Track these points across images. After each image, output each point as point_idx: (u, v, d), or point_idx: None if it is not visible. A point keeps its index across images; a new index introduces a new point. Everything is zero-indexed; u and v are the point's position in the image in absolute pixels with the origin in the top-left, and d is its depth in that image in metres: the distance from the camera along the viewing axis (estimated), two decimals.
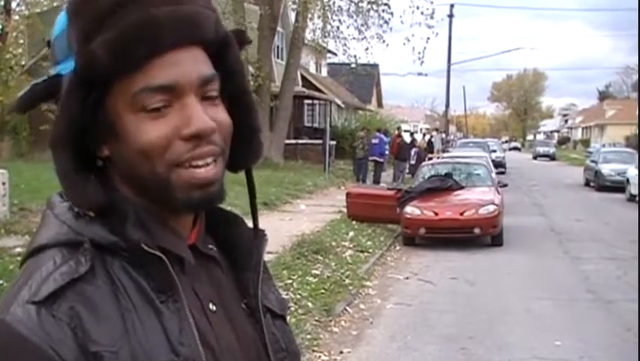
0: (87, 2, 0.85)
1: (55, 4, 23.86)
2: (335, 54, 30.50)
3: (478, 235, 11.80)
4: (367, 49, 24.78)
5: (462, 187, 13.12)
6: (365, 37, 24.13)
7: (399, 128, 26.71)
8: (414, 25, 24.22)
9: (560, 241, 12.73)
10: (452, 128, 76.68)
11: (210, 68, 0.89)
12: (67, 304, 0.81)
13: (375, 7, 23.51)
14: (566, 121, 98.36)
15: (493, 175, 14.85)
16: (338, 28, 24.07)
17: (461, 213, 11.82)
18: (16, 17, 23.81)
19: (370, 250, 10.78)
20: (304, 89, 29.59)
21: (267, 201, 14.31)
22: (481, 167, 14.74)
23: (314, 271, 8.53)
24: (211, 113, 0.88)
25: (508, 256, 11.16)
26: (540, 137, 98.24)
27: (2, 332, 0.80)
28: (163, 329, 0.85)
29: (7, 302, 0.83)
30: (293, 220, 12.78)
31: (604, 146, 39.28)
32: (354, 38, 24.35)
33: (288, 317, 1.10)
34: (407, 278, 9.49)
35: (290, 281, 7.84)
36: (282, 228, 11.15)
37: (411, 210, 11.93)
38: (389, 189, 14.42)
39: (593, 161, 25.88)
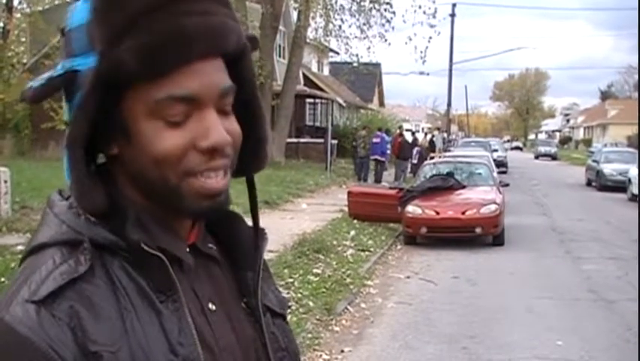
0: (117, 1, 0.83)
1: (56, 1, 23.88)
2: (337, 53, 30.55)
3: (480, 235, 11.80)
4: (369, 48, 24.90)
5: (463, 187, 13.11)
6: (367, 37, 24.18)
7: (400, 128, 26.72)
8: (416, 24, 24.38)
9: (561, 240, 12.73)
10: (454, 128, 76.76)
11: (228, 78, 0.89)
12: (66, 304, 0.81)
13: (377, 6, 23.53)
14: (568, 121, 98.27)
15: (495, 175, 14.84)
16: (340, 27, 24.12)
17: (463, 213, 11.82)
18: (18, 15, 23.82)
19: (371, 249, 10.78)
20: (306, 88, 29.60)
21: (268, 199, 14.33)
22: (482, 166, 14.73)
23: (315, 270, 8.53)
24: (226, 124, 0.88)
25: (510, 255, 11.16)
26: (542, 136, 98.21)
27: (1, 331, 0.80)
28: (162, 329, 0.85)
29: (7, 301, 0.82)
30: (294, 219, 12.79)
31: (606, 146, 39.26)
32: (356, 37, 24.40)
33: (288, 316, 1.10)
34: (408, 277, 9.49)
35: (291, 280, 7.84)
36: (284, 227, 11.16)
37: (412, 209, 11.93)
38: (390, 188, 14.42)
39: (594, 161, 25.87)
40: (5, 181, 9.61)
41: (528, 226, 14.16)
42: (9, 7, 23.02)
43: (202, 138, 0.86)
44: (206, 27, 0.84)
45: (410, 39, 24.20)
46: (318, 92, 31.34)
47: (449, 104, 46.32)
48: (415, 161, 23.46)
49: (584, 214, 16.57)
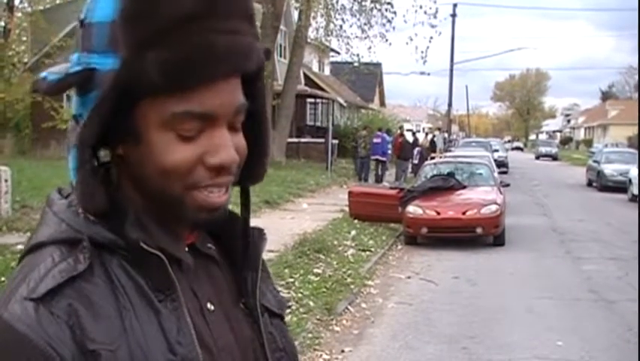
0: (148, 10, 0.81)
1: (58, 1, 23.90)
2: (338, 53, 30.56)
3: (480, 235, 11.79)
4: (370, 48, 24.97)
5: (464, 187, 13.11)
6: (368, 36, 24.22)
7: (401, 128, 26.72)
8: (417, 24, 24.41)
9: (561, 241, 12.72)
10: (455, 128, 76.69)
11: (242, 96, 0.89)
12: (65, 302, 0.81)
13: (378, 6, 23.56)
14: (569, 121, 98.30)
15: (496, 175, 14.84)
16: (341, 27, 24.16)
17: (463, 213, 11.82)
18: (19, 14, 23.83)
19: (372, 249, 10.78)
20: (307, 88, 29.62)
21: (269, 199, 14.34)
22: (483, 166, 14.73)
23: (316, 270, 8.53)
24: (235, 140, 0.88)
25: (510, 255, 11.16)
26: (542, 137, 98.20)
27: (0, 328, 0.80)
28: (161, 328, 0.85)
29: (5, 299, 0.82)
30: (295, 219, 12.79)
31: (606, 146, 39.26)
32: (357, 37, 24.43)
33: (289, 316, 1.10)
34: (409, 277, 9.49)
35: (291, 280, 7.84)
36: (284, 226, 11.16)
37: (413, 209, 11.93)
38: (391, 188, 14.42)
39: (595, 161, 25.87)
40: (6, 180, 9.62)
41: (529, 227, 14.16)
42: (10, 7, 23.02)
43: (211, 154, 0.86)
44: (235, 47, 0.84)
45: (411, 39, 24.28)
46: (319, 92, 31.35)
47: (450, 105, 46.32)
48: (415, 161, 23.47)
49: (585, 215, 16.57)
